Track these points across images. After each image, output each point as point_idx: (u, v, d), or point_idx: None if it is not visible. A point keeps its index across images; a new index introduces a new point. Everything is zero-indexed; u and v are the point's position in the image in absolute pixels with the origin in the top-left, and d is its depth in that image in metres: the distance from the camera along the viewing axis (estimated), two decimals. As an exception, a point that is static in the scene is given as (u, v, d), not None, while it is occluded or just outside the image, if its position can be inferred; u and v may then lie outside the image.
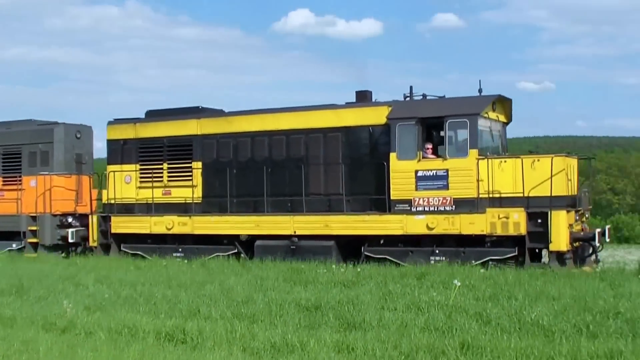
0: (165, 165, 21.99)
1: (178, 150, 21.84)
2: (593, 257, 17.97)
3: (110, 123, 23.22)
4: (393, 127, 18.42)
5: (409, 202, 18.17)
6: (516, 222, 17.06)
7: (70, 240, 23.26)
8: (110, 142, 22.98)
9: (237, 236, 20.69)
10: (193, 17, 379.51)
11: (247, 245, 20.52)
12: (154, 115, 22.74)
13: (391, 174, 18.36)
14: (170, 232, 21.23)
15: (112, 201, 22.53)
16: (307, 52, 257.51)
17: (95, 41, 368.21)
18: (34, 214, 24.01)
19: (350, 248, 19.53)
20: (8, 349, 9.41)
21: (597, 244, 17.32)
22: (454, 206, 17.70)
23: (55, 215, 23.85)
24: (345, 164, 19.34)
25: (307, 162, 19.88)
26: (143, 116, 23.07)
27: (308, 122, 20.09)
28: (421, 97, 19.47)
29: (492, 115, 18.97)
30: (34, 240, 24.03)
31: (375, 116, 19.22)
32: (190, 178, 21.56)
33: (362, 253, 18.82)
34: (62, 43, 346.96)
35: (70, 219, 23.82)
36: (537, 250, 17.66)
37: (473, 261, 17.34)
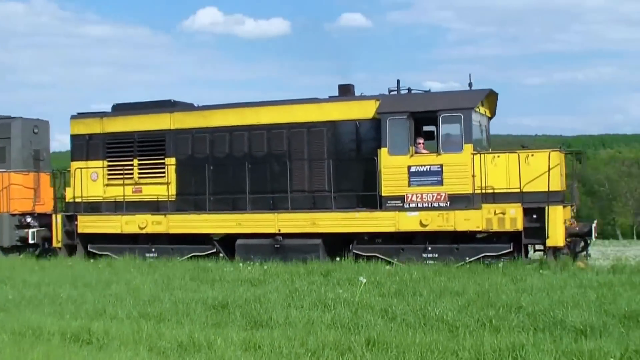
0: (135, 162, 20.90)
1: (150, 146, 20.80)
2: (584, 252, 17.92)
3: (73, 117, 21.96)
4: (383, 122, 17.92)
5: (401, 198, 17.71)
6: (513, 217, 16.83)
7: (30, 242, 21.94)
8: (75, 137, 21.71)
9: (219, 236, 19.84)
10: (101, 14, 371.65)
11: (227, 244, 19.67)
12: (121, 109, 21.59)
13: (382, 170, 17.87)
14: (144, 231, 20.17)
15: (77, 199, 21.28)
16: (216, 50, 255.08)
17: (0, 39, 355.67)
18: (-10, 214, 22.53)
19: (337, 246, 18.98)
20: None
21: (594, 238, 17.27)
22: (448, 202, 17.34)
23: (13, 215, 22.43)
24: (331, 160, 18.73)
25: (290, 157, 19.19)
26: (106, 110, 21.94)
27: (290, 117, 19.39)
28: (406, 91, 19.07)
29: (481, 109, 18.72)
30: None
31: (362, 110, 18.69)
32: (163, 175, 20.55)
33: (350, 251, 18.29)
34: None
35: (29, 219, 22.46)
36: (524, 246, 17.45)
37: (467, 258, 17.05)
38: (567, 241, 17.09)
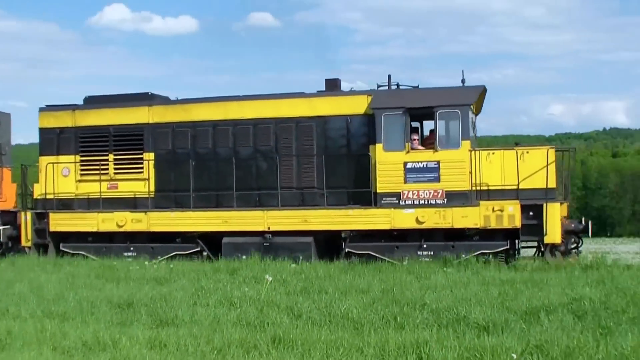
0: (111, 157, 19.97)
1: (126, 140, 19.90)
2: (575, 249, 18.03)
3: (42, 110, 20.82)
4: (378, 117, 17.60)
5: (397, 195, 17.43)
6: (511, 214, 16.78)
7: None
8: (44, 131, 20.59)
9: (199, 233, 19.11)
10: (7, 10, 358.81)
11: (211, 243, 18.99)
12: (94, 102, 20.59)
13: (377, 166, 17.54)
14: (122, 229, 19.28)
15: (49, 196, 20.20)
16: (124, 47, 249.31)
17: None
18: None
19: (326, 245, 18.61)
20: None
21: (590, 235, 17.39)
22: (445, 199, 17.16)
23: (-27, 213, 21.13)
24: (320, 156, 18.32)
25: (278, 153, 18.67)
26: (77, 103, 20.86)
27: (278, 111, 18.87)
28: (395, 86, 18.80)
29: (473, 106, 18.61)
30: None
31: (353, 105, 18.35)
32: (141, 170, 19.71)
33: (343, 249, 17.95)
34: None
35: (-9, 217, 21.20)
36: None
37: (463, 255, 16.92)
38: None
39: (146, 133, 19.72)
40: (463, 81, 18.07)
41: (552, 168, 17.05)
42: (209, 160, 19.17)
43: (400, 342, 8.14)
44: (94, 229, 19.48)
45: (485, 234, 17.28)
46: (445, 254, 16.96)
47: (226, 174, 18.88)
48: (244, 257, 17.70)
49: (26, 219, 20.11)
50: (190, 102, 19.79)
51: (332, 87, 19.25)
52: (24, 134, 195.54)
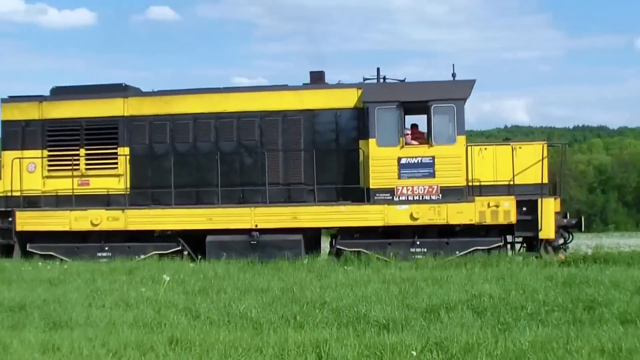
0: (82, 151, 18.89)
1: (99, 134, 18.86)
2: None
3: (4, 101, 19.53)
4: (371, 111, 17.19)
5: (390, 191, 17.07)
6: (506, 210, 16.68)
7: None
8: (7, 124, 19.33)
9: (181, 232, 18.26)
10: None
11: (193, 242, 18.19)
12: (63, 93, 19.43)
13: (370, 162, 17.14)
14: (97, 228, 18.25)
15: (11, 193, 18.96)
16: (18, 40, 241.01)
17: None
18: None
19: (314, 242, 18.13)
20: None
21: (582, 230, 17.47)
22: (440, 195, 16.91)
23: None
24: (309, 151, 17.79)
25: (263, 148, 18.05)
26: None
27: (263, 104, 18.24)
28: (382, 80, 18.45)
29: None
30: None
31: (342, 99, 17.92)
32: (115, 166, 18.73)
33: (333, 247, 17.50)
34: None
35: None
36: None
37: (457, 252, 16.72)
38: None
39: (121, 126, 18.75)
40: (454, 75, 17.84)
41: (546, 164, 17.04)
42: (190, 155, 18.39)
43: (300, 341, 8.04)
44: (66, 228, 18.36)
45: (473, 230, 17.11)
46: (439, 250, 16.73)
47: (208, 170, 18.15)
48: (228, 255, 17.09)
49: (-11, 218, 18.81)
50: (169, 93, 18.91)
51: (317, 79, 18.74)
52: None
